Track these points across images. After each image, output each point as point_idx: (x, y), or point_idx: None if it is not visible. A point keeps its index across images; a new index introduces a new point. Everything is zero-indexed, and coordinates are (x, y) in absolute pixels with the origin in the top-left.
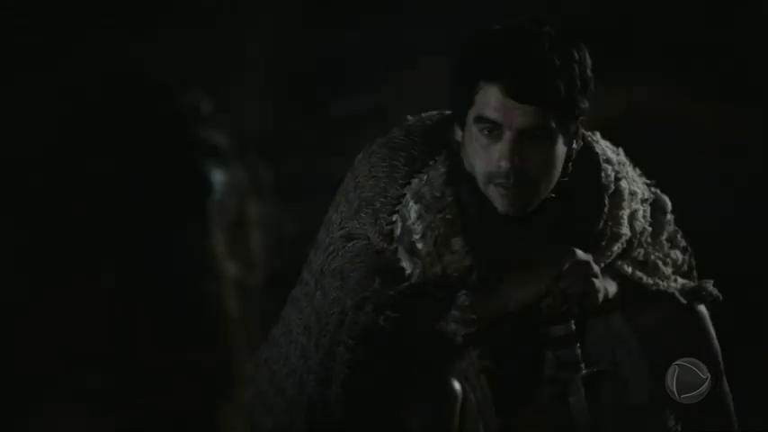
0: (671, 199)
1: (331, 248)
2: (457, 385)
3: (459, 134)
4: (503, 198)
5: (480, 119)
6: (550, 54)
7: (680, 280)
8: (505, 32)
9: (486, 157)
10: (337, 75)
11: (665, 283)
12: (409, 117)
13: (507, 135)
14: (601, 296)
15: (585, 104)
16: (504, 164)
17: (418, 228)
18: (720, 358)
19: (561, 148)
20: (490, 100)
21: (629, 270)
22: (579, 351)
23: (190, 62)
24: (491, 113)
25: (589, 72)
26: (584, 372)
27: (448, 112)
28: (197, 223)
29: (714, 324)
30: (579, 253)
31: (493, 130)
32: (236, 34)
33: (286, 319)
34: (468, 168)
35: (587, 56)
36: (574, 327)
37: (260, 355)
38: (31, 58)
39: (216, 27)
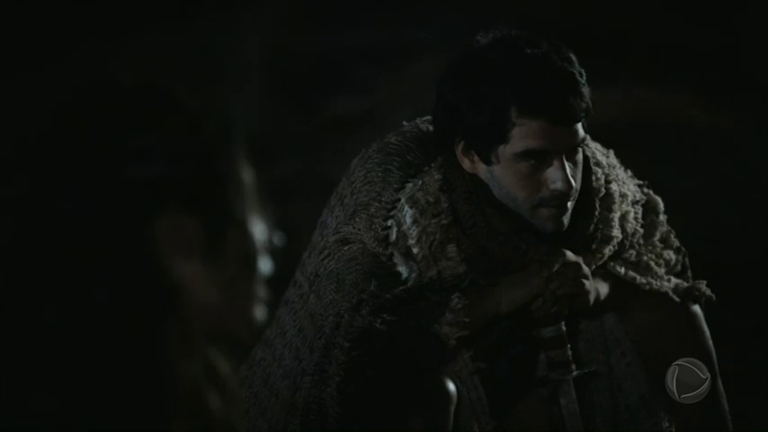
0: (670, 199)
1: (326, 252)
2: (452, 387)
3: (470, 165)
4: (555, 218)
5: (526, 153)
6: (568, 68)
7: (673, 280)
8: (518, 60)
9: (533, 186)
10: (332, 76)
11: (658, 283)
12: (405, 123)
13: (556, 158)
14: (591, 297)
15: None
16: (560, 186)
17: (413, 232)
18: (714, 358)
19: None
20: (533, 132)
21: (621, 271)
22: (570, 352)
23: (188, 62)
24: (538, 145)
25: (582, 68)
26: (575, 373)
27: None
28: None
29: (709, 324)
30: (569, 255)
31: (539, 158)
32: (234, 35)
33: (280, 320)
34: (499, 197)
35: (572, 51)
36: (564, 328)
37: (254, 355)
38: (23, 60)
39: (214, 28)
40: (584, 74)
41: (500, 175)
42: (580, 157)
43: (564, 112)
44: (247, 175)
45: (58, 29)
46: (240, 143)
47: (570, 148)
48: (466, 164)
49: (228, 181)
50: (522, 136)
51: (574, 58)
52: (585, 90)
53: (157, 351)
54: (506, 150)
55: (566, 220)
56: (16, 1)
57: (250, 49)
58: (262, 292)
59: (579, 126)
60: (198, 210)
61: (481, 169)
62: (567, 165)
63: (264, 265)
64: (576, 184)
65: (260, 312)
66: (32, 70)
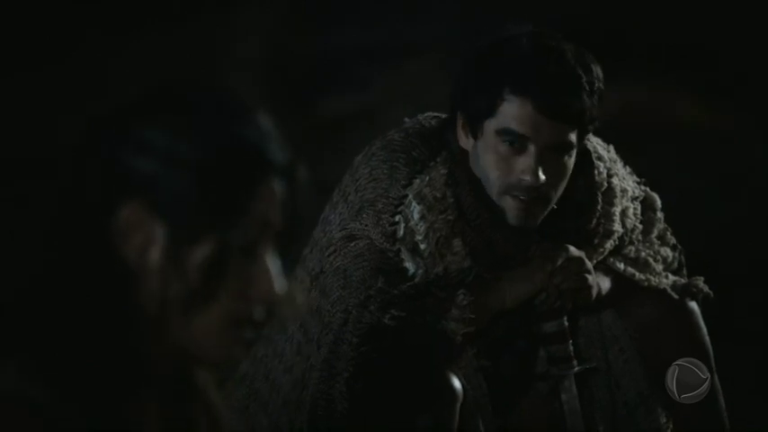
0: (670, 198)
1: (331, 249)
2: (458, 384)
3: (465, 141)
4: (517, 210)
5: (505, 131)
6: (578, 70)
7: (671, 277)
8: (531, 45)
9: (505, 169)
10: (332, 76)
11: (656, 280)
12: (406, 119)
13: (532, 149)
14: (594, 292)
15: (599, 118)
16: (527, 177)
17: (421, 228)
18: (711, 355)
19: (573, 161)
20: (517, 113)
21: (621, 266)
22: (572, 347)
23: (188, 62)
24: (518, 127)
25: (603, 86)
26: (576, 368)
27: (444, 115)
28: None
29: (709, 323)
30: (572, 249)
31: (515, 142)
32: (233, 35)
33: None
34: (479, 175)
35: (599, 68)
36: (567, 323)
37: (254, 352)
38: (23, 60)
39: (214, 28)
40: (595, 85)
41: (481, 153)
42: (565, 161)
43: (553, 104)
44: (275, 216)
45: (58, 29)
46: (293, 189)
47: (552, 145)
48: (462, 139)
49: (228, 210)
50: (506, 113)
51: (595, 69)
52: (588, 98)
53: (115, 318)
54: (491, 125)
55: (531, 220)
56: (16, 1)
57: (250, 49)
58: (249, 332)
59: (569, 128)
60: (174, 216)
61: (470, 145)
62: (542, 160)
63: (259, 313)
64: (554, 190)
65: (237, 350)
66: (32, 70)
